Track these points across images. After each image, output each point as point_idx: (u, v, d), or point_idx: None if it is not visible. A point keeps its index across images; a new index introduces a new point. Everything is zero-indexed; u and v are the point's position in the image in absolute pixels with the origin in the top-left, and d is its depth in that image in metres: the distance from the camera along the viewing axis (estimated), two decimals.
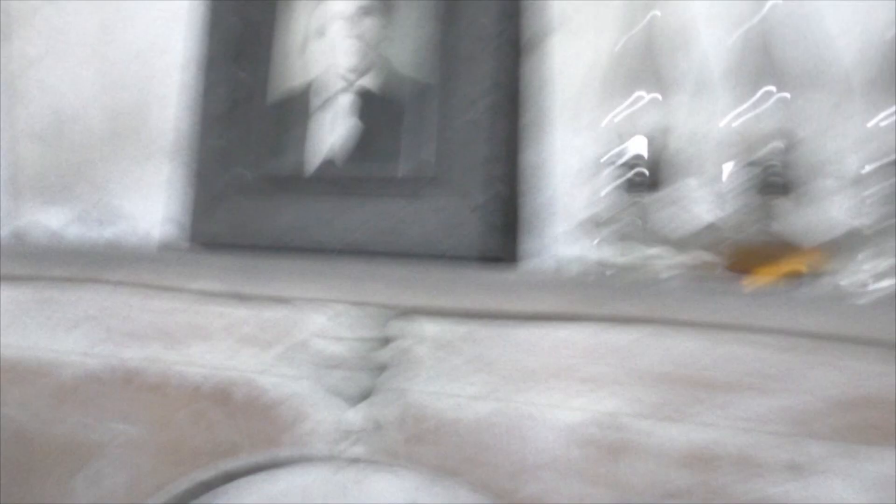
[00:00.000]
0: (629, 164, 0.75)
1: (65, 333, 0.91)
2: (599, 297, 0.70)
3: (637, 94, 0.76)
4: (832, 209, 0.75)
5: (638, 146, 0.75)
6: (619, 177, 0.76)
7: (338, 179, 0.88)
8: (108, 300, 0.89)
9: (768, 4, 0.74)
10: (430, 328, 0.75)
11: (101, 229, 1.09)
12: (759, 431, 0.65)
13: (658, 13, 0.78)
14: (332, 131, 0.89)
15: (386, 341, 0.76)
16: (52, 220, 1.13)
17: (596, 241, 0.77)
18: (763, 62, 0.73)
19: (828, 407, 0.63)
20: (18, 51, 1.15)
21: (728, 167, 0.75)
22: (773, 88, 0.72)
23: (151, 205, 1.06)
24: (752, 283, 0.70)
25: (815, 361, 0.64)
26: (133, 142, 1.08)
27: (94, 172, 1.11)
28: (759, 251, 0.72)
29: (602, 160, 0.78)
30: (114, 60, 1.09)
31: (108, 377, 0.89)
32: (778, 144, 0.71)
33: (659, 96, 0.76)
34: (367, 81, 0.88)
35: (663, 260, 0.74)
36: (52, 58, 1.13)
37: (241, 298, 0.81)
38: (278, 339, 0.81)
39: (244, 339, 0.83)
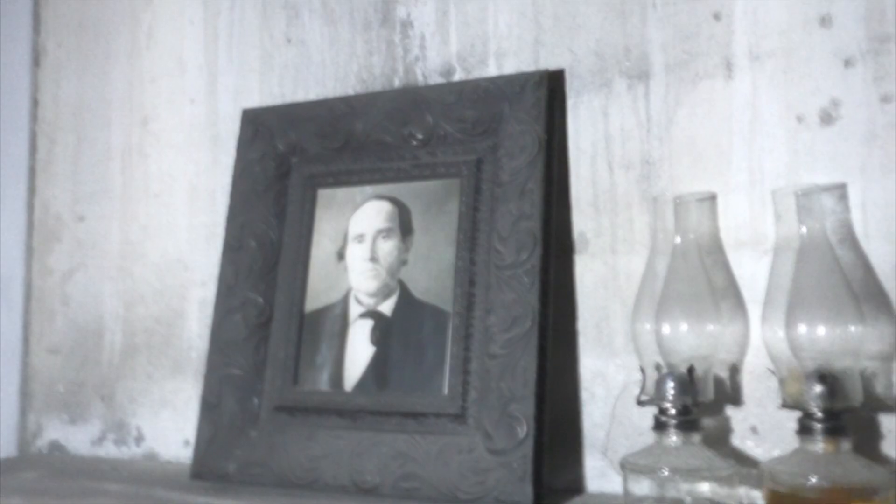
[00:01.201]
0: (665, 396, 0.71)
1: None
2: None
3: (669, 320, 0.73)
4: (893, 451, 0.70)
5: (673, 376, 0.71)
6: (655, 407, 0.72)
7: (352, 412, 0.84)
8: None
9: (803, 232, 0.71)
10: None
11: (118, 451, 1.07)
12: None
13: (682, 237, 0.76)
14: (349, 358, 0.87)
15: None
16: (69, 439, 1.11)
17: (630, 481, 0.71)
18: (798, 291, 0.69)
19: None
20: (48, 266, 1.16)
21: (770, 401, 0.73)
22: (808, 317, 0.68)
23: (169, 427, 1.04)
24: None
25: None
26: (152, 359, 1.07)
27: (112, 390, 1.09)
28: (809, 501, 0.64)
29: (635, 392, 0.75)
30: (137, 277, 1.10)
31: None
32: (824, 380, 0.66)
33: (692, 323, 0.73)
34: (385, 306, 0.87)
35: (703, 502, 0.69)
36: (78, 273, 1.14)
37: None
38: None
39: None
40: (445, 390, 0.80)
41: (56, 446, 1.12)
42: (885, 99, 0.74)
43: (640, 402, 0.74)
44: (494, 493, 0.75)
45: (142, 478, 0.94)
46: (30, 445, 1.14)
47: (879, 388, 0.71)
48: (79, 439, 1.11)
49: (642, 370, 0.75)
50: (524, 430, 0.75)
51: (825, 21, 0.76)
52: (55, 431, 1.13)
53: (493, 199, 0.84)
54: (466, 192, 0.85)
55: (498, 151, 0.85)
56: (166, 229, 1.08)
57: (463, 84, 0.89)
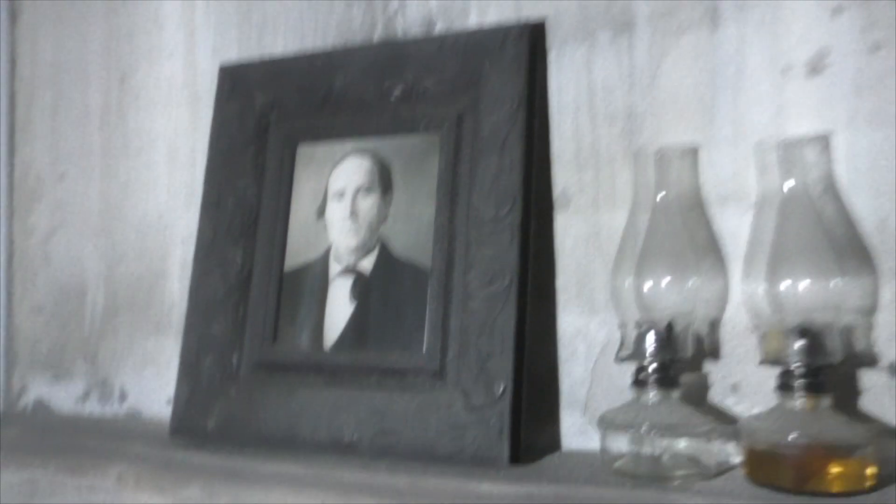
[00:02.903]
0: (644, 352, 0.70)
1: None
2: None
3: (649, 276, 0.71)
4: (872, 407, 0.70)
5: (653, 332, 0.70)
6: (634, 364, 0.71)
7: (332, 370, 0.83)
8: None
9: (786, 185, 0.70)
10: None
11: (101, 409, 1.07)
12: None
13: (665, 193, 0.74)
14: (328, 315, 0.85)
15: None
16: (53, 398, 1.11)
17: (608, 438, 0.70)
18: (780, 245, 0.68)
19: None
20: (29, 226, 1.16)
21: (750, 358, 0.72)
22: (790, 272, 0.66)
23: (152, 385, 1.04)
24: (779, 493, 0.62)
25: None
26: (135, 318, 1.06)
27: (95, 349, 1.09)
28: (787, 458, 0.63)
29: (615, 348, 0.74)
30: (118, 236, 1.08)
31: None
32: (805, 335, 0.65)
33: (672, 279, 0.71)
34: (365, 264, 0.85)
35: (681, 458, 0.68)
36: (59, 233, 1.13)
37: None
38: None
39: None
40: (424, 348, 0.80)
41: (40, 404, 1.12)
42: (873, 48, 0.72)
43: (619, 359, 0.73)
44: (472, 450, 0.74)
45: (123, 434, 0.94)
46: (14, 404, 1.14)
47: (859, 343, 0.70)
48: (62, 397, 1.11)
49: (622, 327, 0.74)
50: (502, 387, 0.75)
51: None
52: (39, 390, 1.13)
53: (473, 154, 0.82)
54: (446, 147, 0.84)
55: (478, 106, 0.83)
56: (146, 188, 1.07)
57: (443, 38, 0.87)
